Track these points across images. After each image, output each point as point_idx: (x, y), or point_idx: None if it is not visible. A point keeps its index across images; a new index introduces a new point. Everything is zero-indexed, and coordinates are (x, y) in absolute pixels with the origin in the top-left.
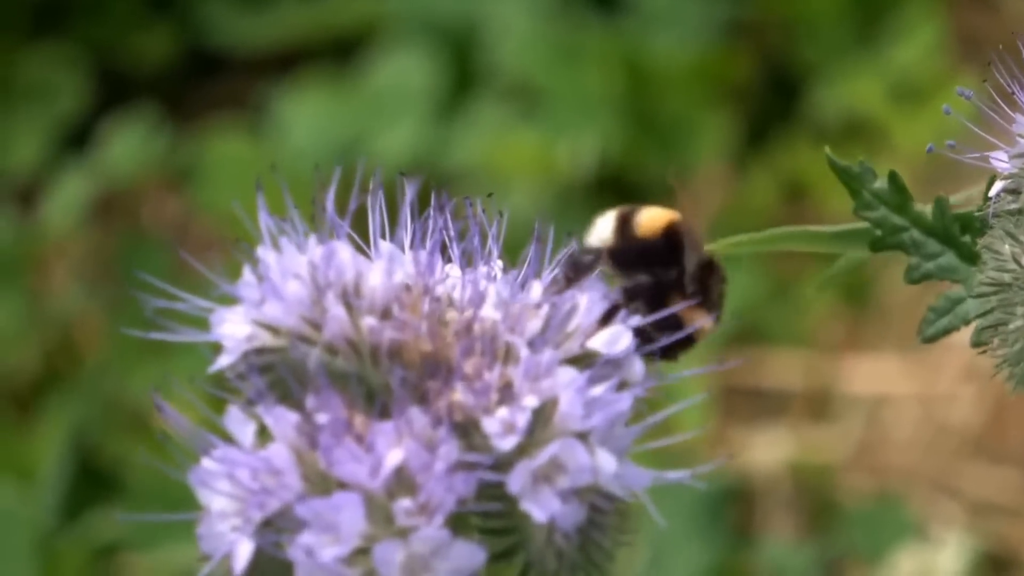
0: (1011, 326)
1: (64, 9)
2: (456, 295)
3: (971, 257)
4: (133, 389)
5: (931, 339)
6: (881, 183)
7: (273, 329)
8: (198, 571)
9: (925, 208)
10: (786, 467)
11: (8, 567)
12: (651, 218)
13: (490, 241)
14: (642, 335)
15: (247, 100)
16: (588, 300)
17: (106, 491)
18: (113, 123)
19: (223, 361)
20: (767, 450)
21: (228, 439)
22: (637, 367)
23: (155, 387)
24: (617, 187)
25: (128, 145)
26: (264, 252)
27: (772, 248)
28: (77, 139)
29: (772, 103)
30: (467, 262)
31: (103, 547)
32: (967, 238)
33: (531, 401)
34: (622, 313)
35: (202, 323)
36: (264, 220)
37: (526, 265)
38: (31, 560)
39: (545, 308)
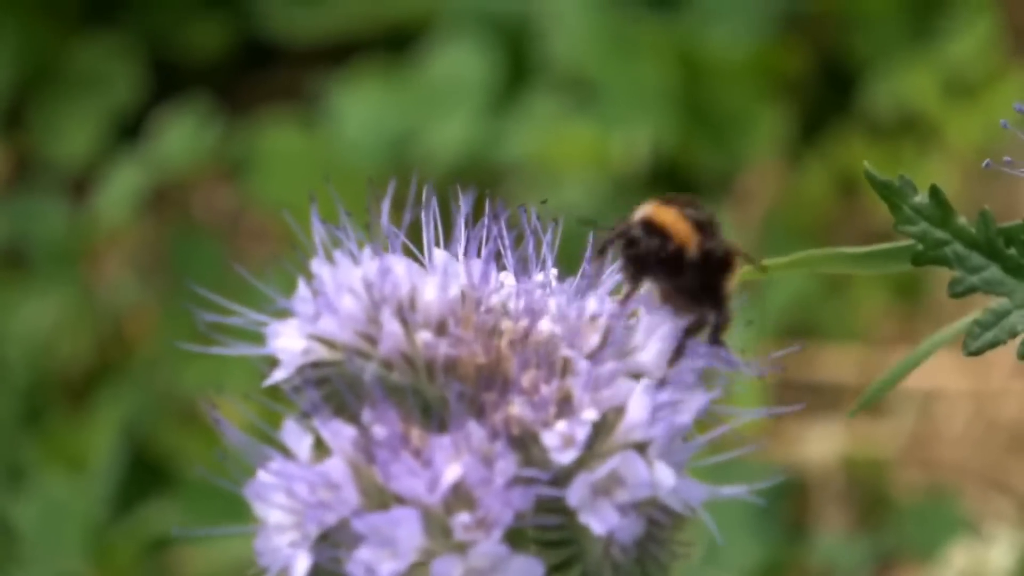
0: None
1: None
2: (511, 305)
3: (1017, 270)
4: (186, 382)
5: (976, 353)
6: (922, 197)
7: (329, 343)
8: (251, 569)
9: (968, 221)
10: (839, 461)
11: (61, 558)
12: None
13: (545, 249)
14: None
15: (301, 91)
16: (647, 314)
17: (158, 483)
18: (166, 114)
19: (279, 375)
20: (820, 444)
21: (284, 452)
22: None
23: (208, 391)
24: (671, 180)
25: (181, 136)
26: (319, 266)
27: (811, 269)
28: (130, 130)
29: (826, 97)
30: (522, 270)
31: (156, 540)
32: (1012, 251)
33: (590, 414)
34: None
35: (255, 333)
36: (317, 232)
37: (582, 274)
38: (83, 552)
39: (603, 320)
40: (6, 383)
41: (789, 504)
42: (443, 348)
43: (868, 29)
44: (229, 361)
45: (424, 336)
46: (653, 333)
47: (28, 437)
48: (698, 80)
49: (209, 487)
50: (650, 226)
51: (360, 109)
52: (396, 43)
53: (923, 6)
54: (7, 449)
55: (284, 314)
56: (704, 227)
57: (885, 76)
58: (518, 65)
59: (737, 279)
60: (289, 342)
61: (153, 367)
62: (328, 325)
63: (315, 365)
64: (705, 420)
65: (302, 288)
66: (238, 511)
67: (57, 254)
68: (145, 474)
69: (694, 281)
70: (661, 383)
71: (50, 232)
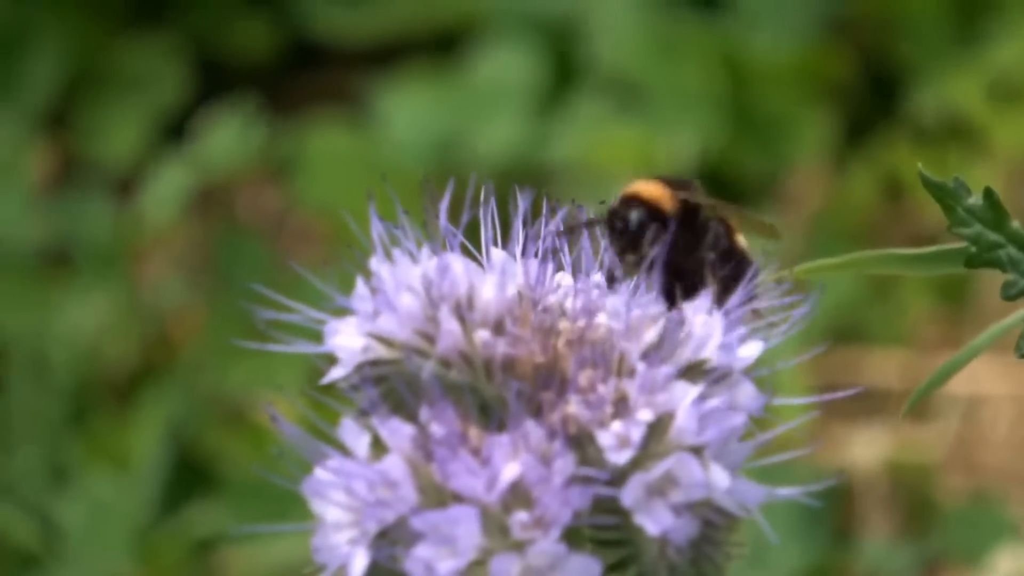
0: None
1: None
2: (568, 304)
3: None
4: (231, 383)
5: None
6: (976, 199)
7: (387, 342)
8: (300, 569)
9: (1021, 225)
10: (884, 466)
11: (106, 559)
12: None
13: (602, 249)
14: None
15: (347, 93)
16: (698, 310)
17: (204, 485)
18: (212, 114)
19: (337, 373)
20: (865, 449)
21: (340, 449)
22: (749, 384)
23: (256, 384)
24: (717, 183)
25: (227, 137)
26: (378, 264)
27: (861, 271)
28: (175, 130)
29: (872, 101)
30: (578, 269)
31: (201, 540)
32: None
33: (646, 415)
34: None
35: (308, 331)
36: (376, 230)
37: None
38: (129, 552)
39: (658, 319)
40: (51, 383)
41: (835, 509)
42: (501, 347)
43: (913, 33)
44: (275, 362)
45: (482, 335)
46: (706, 329)
47: (73, 437)
48: (743, 83)
49: (254, 488)
50: (626, 198)
51: (407, 111)
52: (442, 45)
53: (969, 9)
54: (52, 449)
55: (338, 312)
56: (681, 187)
57: (930, 80)
58: (564, 67)
59: (744, 235)
60: (348, 340)
61: (198, 368)
62: (387, 323)
63: (373, 363)
64: (753, 422)
65: (361, 286)
66: (282, 512)
67: (102, 254)
68: (189, 475)
69: (685, 240)
70: (716, 380)
71: (95, 232)
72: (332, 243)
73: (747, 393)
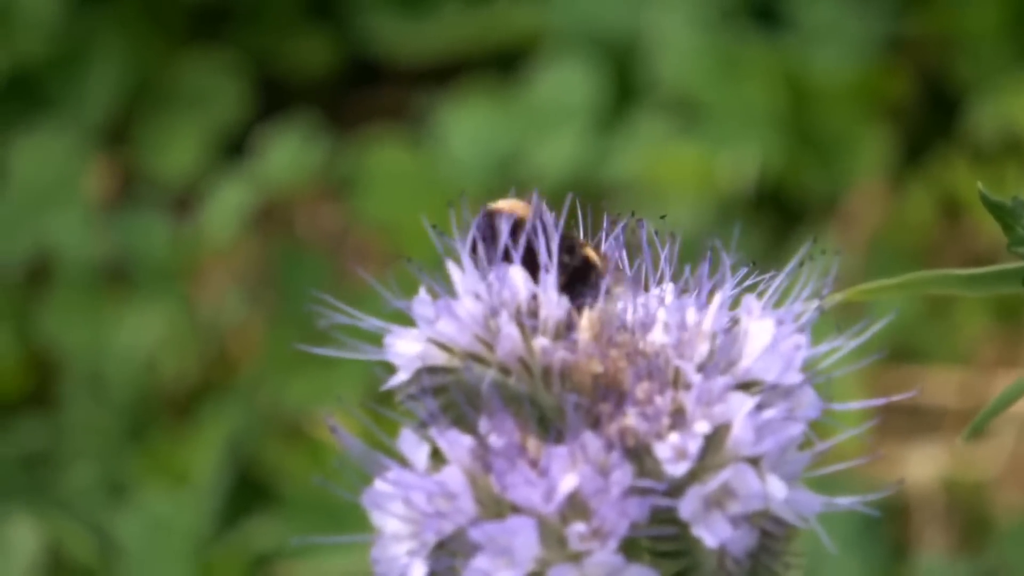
0: None
1: (223, 15)
2: (627, 317)
3: None
4: (290, 399)
5: None
6: None
7: (447, 348)
8: None
9: None
10: (940, 483)
11: (164, 574)
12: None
13: (662, 262)
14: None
15: (407, 110)
16: (757, 323)
17: (262, 500)
18: (271, 131)
19: (397, 379)
20: (922, 466)
21: (400, 460)
22: (807, 392)
23: (315, 400)
24: (776, 202)
25: (286, 154)
26: (451, 269)
27: (920, 291)
28: (234, 147)
29: (930, 120)
30: (638, 283)
31: (260, 556)
32: None
33: (702, 427)
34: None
35: (367, 338)
36: (437, 243)
37: (697, 289)
38: (187, 568)
39: (716, 333)
40: (108, 399)
41: (891, 525)
42: (560, 354)
43: (972, 52)
44: (334, 378)
45: (541, 341)
46: (759, 340)
47: (131, 453)
48: (803, 102)
49: (312, 503)
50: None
51: (467, 128)
52: (503, 62)
53: None
54: (110, 465)
55: (400, 319)
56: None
57: (989, 99)
58: (624, 85)
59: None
60: (407, 346)
61: (258, 384)
62: (447, 327)
63: (432, 371)
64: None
65: (422, 293)
66: (339, 527)
67: (160, 270)
68: (248, 491)
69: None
70: (772, 391)
71: (154, 248)
72: (391, 260)
73: (805, 402)
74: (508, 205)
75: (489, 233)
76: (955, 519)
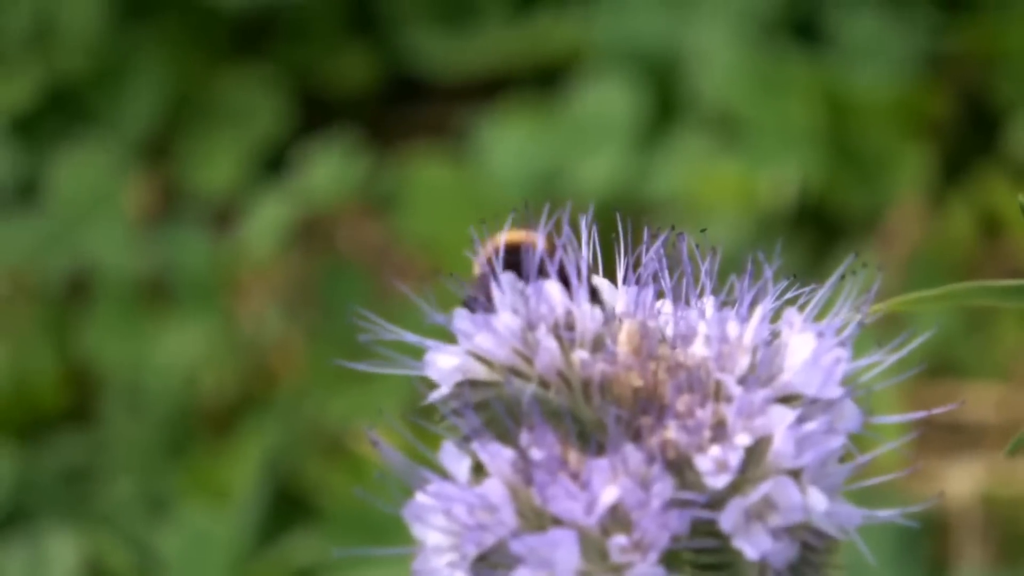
0: None
1: (264, 30)
2: (668, 331)
3: None
4: (331, 415)
5: None
6: None
7: (486, 362)
8: None
9: None
10: (979, 498)
11: None
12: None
13: (703, 276)
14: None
15: (448, 126)
16: (798, 336)
17: (302, 515)
18: (312, 147)
19: (438, 393)
20: (961, 482)
21: (440, 473)
22: (848, 405)
23: (355, 416)
24: (817, 220)
25: (327, 170)
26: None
27: (958, 303)
28: (275, 162)
29: (970, 138)
30: (678, 296)
31: (301, 570)
32: None
33: (743, 440)
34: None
35: (407, 352)
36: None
37: (738, 302)
38: None
39: (757, 346)
40: (149, 413)
41: (930, 540)
42: (599, 366)
43: (1013, 70)
44: (374, 393)
45: (580, 354)
46: (800, 353)
47: (171, 468)
48: (844, 119)
49: (353, 518)
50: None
51: (508, 145)
52: (544, 79)
53: None
54: (150, 479)
55: (440, 333)
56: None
57: None
58: (665, 102)
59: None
60: (447, 360)
61: (298, 399)
62: (485, 341)
63: (472, 384)
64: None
65: (461, 308)
66: (380, 541)
67: (201, 285)
68: (288, 506)
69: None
70: (812, 404)
71: (194, 263)
72: (431, 276)
73: (845, 415)
74: (515, 237)
75: (504, 264)
76: (993, 534)
